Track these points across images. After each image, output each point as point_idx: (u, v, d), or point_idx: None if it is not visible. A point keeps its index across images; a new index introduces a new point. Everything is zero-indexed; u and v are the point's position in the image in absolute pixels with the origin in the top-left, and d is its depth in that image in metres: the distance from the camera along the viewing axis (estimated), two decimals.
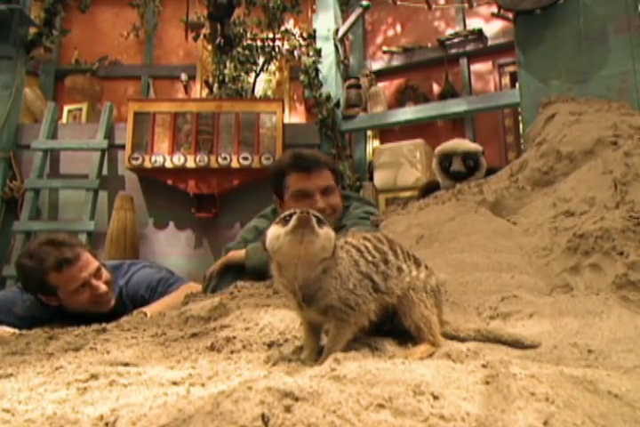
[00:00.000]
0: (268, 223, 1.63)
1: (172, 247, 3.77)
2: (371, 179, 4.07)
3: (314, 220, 0.63)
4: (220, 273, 1.49)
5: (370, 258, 0.69)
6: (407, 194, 3.59)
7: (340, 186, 1.65)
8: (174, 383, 0.58)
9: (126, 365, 0.71)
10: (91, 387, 0.57)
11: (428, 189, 2.54)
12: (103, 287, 1.60)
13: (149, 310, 1.43)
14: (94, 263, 1.62)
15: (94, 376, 0.61)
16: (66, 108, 4.59)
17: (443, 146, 2.44)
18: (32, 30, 3.90)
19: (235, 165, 3.62)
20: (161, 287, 1.70)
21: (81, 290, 1.58)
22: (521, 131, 3.26)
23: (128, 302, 1.69)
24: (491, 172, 2.16)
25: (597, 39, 2.04)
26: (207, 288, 1.49)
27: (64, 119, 4.51)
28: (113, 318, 1.60)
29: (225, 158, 3.61)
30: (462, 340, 0.73)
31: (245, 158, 3.62)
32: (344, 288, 0.66)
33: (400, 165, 3.86)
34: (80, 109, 4.59)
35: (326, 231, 0.64)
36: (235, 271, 1.45)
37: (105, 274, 1.65)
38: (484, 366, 0.55)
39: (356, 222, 1.55)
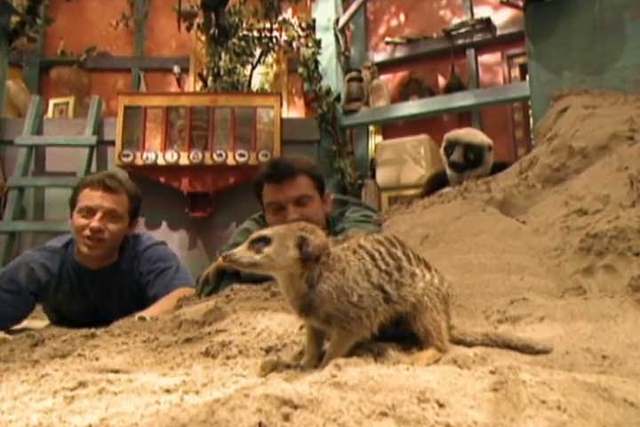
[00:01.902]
0: (259, 227, 1.66)
1: None
2: (373, 176, 4.07)
3: (242, 257, 0.66)
4: (216, 278, 1.50)
5: (383, 266, 0.69)
6: (411, 192, 3.59)
7: (329, 191, 1.65)
8: (167, 391, 0.58)
9: (116, 372, 0.71)
10: (79, 395, 0.57)
11: (435, 180, 2.57)
12: (99, 225, 1.64)
13: (148, 313, 1.44)
14: (118, 208, 1.69)
15: (82, 384, 0.61)
16: (51, 102, 4.58)
17: (451, 133, 2.47)
18: (14, 19, 3.89)
19: (230, 162, 3.62)
20: (163, 275, 1.74)
21: (84, 214, 1.66)
22: (531, 125, 3.25)
23: (136, 266, 1.76)
24: (500, 167, 2.17)
25: (613, 28, 2.04)
26: (201, 293, 1.50)
27: (49, 114, 4.51)
28: (113, 276, 1.73)
29: (220, 155, 3.61)
30: (469, 344, 0.73)
31: (242, 155, 3.62)
32: (343, 300, 0.66)
33: (403, 161, 3.86)
34: (67, 103, 4.59)
35: (267, 252, 0.66)
36: (231, 276, 1.46)
37: (118, 226, 1.70)
38: (492, 372, 0.55)
39: (354, 225, 1.56)
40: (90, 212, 1.66)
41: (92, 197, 1.67)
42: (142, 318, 1.29)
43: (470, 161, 2.34)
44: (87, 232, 1.65)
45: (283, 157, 1.60)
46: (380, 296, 0.67)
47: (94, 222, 1.64)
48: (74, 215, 1.69)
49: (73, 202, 1.71)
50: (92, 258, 1.72)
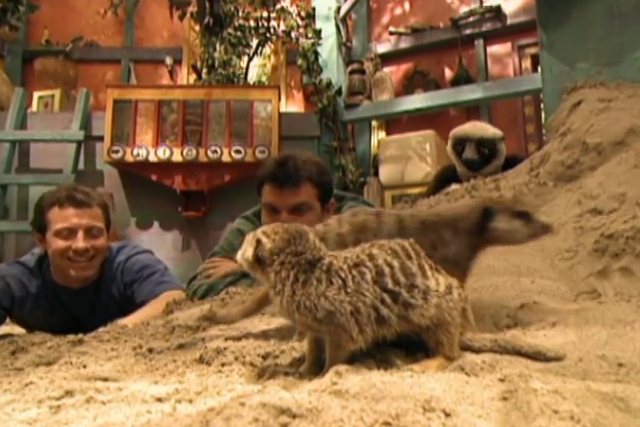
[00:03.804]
0: (253, 227, 1.67)
1: (156, 250, 3.69)
2: (376, 174, 4.07)
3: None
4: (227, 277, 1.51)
5: (390, 285, 0.67)
6: (416, 190, 3.59)
7: (334, 201, 1.64)
8: (159, 400, 0.58)
9: (105, 380, 0.71)
10: (65, 405, 0.57)
11: (444, 175, 2.56)
12: (84, 245, 1.61)
13: (133, 319, 1.44)
14: (97, 222, 1.66)
15: (69, 393, 0.61)
16: (36, 95, 4.58)
17: (458, 129, 2.45)
18: None
19: (226, 158, 3.63)
20: (147, 282, 1.72)
21: (63, 236, 1.62)
22: (543, 120, 3.25)
23: (119, 278, 1.74)
24: (514, 161, 2.16)
25: (632, 15, 2.02)
26: (211, 290, 1.50)
27: (34, 107, 4.51)
28: (96, 293, 1.71)
29: (215, 152, 3.61)
30: (477, 351, 0.73)
31: (238, 152, 3.62)
32: (305, 317, 0.66)
33: (408, 158, 3.86)
34: (52, 96, 4.58)
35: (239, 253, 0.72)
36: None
37: (102, 241, 1.67)
38: (501, 380, 0.55)
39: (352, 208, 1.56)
40: (70, 233, 1.61)
41: (66, 217, 1.61)
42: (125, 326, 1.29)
43: (485, 156, 2.33)
44: (70, 254, 1.61)
45: (293, 157, 1.54)
46: (371, 316, 0.66)
47: (79, 243, 1.60)
48: (50, 238, 1.63)
49: (39, 223, 1.65)
50: (74, 279, 1.68)
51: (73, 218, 1.62)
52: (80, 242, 1.61)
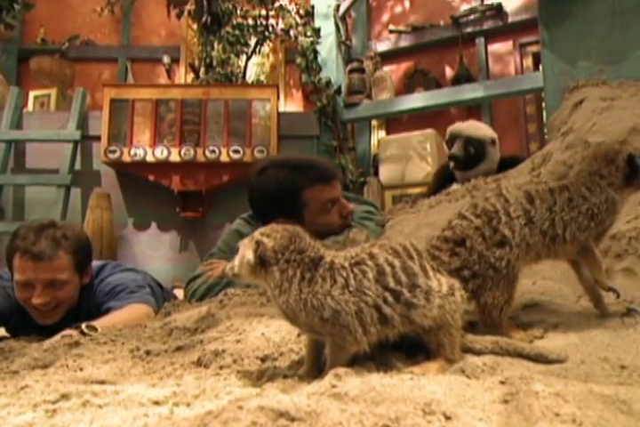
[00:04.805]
0: (251, 228, 1.68)
1: (154, 251, 3.77)
2: (376, 174, 4.07)
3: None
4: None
5: (391, 284, 0.67)
6: (416, 190, 3.59)
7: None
8: (156, 403, 0.58)
9: (102, 383, 0.72)
10: (61, 408, 0.57)
11: (443, 173, 2.59)
12: (42, 301, 1.56)
13: (99, 323, 1.42)
14: (58, 275, 1.59)
15: (65, 396, 0.61)
16: (32, 94, 4.58)
17: (453, 126, 2.52)
18: None
19: (224, 158, 3.63)
20: (115, 299, 1.68)
21: (22, 287, 1.58)
22: (544, 119, 3.26)
23: (93, 301, 1.71)
24: (513, 162, 2.17)
25: (634, 13, 2.02)
26: (209, 292, 1.49)
27: (30, 107, 4.51)
28: (76, 317, 1.65)
29: (213, 151, 3.61)
30: (478, 353, 0.73)
31: (236, 151, 3.62)
32: (312, 316, 0.66)
33: (408, 158, 3.86)
34: (48, 96, 4.58)
35: (233, 263, 0.72)
36: None
37: (65, 290, 1.62)
38: (502, 382, 0.55)
39: (357, 223, 1.58)
40: (28, 285, 1.57)
41: (23, 270, 1.56)
42: (91, 327, 1.29)
43: (471, 155, 2.36)
44: (32, 303, 1.58)
45: (313, 157, 1.68)
46: (374, 316, 0.66)
47: (36, 299, 1.55)
48: (14, 283, 1.60)
49: (8, 264, 1.62)
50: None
51: (30, 272, 1.55)
52: (36, 298, 1.56)
